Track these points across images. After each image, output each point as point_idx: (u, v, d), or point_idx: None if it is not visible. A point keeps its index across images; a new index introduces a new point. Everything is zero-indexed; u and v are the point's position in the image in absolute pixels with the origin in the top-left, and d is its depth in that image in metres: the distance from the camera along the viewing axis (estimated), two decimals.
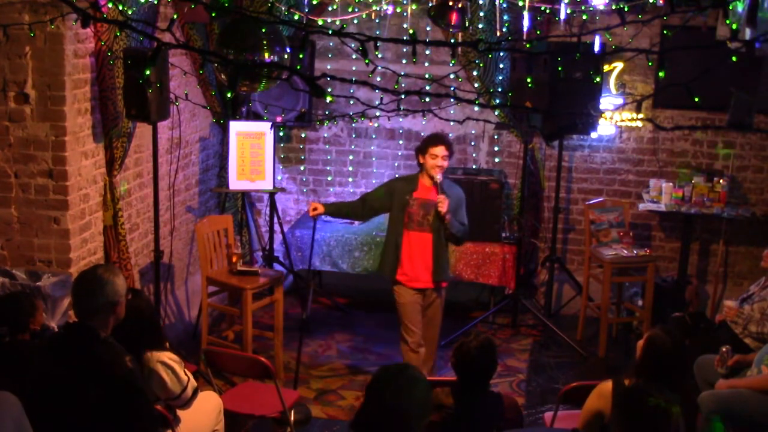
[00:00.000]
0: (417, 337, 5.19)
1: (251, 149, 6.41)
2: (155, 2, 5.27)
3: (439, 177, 5.03)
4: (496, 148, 7.28)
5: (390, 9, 5.82)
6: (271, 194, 6.72)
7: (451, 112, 7.02)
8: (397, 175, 7.41)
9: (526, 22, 5.64)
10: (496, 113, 6.79)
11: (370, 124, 7.35)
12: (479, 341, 3.48)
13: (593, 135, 6.85)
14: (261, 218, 7.59)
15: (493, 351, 3.51)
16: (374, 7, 6.24)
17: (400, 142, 7.44)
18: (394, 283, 5.22)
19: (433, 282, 5.17)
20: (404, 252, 5.14)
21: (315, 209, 5.22)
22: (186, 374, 3.81)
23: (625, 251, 6.30)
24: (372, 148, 7.46)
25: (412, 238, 5.13)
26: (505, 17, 6.44)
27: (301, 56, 5.72)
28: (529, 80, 5.70)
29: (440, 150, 5.02)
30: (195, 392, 3.85)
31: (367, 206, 5.32)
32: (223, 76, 5.11)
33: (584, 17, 6.27)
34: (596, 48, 4.83)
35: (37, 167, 4.79)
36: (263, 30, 4.47)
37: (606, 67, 6.59)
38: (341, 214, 5.56)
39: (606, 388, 3.51)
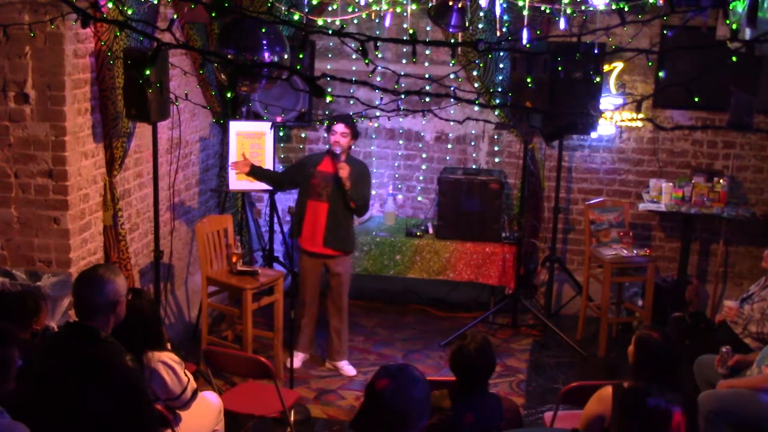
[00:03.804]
0: (312, 310, 5.85)
1: (251, 149, 6.40)
2: (155, 2, 5.27)
3: (337, 150, 5.57)
4: (496, 148, 7.28)
5: (388, 18, 5.87)
6: (271, 194, 6.71)
7: (451, 112, 7.02)
8: (396, 175, 7.45)
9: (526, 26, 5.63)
10: (496, 113, 6.79)
11: (370, 124, 7.35)
12: (477, 342, 3.47)
13: (593, 135, 6.84)
14: (261, 218, 7.58)
15: (491, 350, 3.51)
16: (374, 7, 6.24)
17: (400, 142, 7.44)
18: (299, 251, 5.83)
19: (325, 247, 5.68)
20: (306, 219, 5.72)
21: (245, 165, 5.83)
22: (186, 375, 3.81)
23: (625, 251, 6.30)
24: (372, 148, 7.46)
25: (312, 207, 5.69)
26: (506, 17, 6.43)
27: (301, 56, 5.75)
28: (529, 80, 5.71)
29: (339, 127, 5.58)
30: (194, 394, 3.85)
31: (287, 175, 6.04)
32: (223, 76, 5.11)
33: (584, 17, 6.26)
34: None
35: (37, 167, 4.79)
36: (263, 30, 4.48)
37: (606, 67, 6.58)
38: (259, 176, 5.94)
39: (606, 393, 3.51)
